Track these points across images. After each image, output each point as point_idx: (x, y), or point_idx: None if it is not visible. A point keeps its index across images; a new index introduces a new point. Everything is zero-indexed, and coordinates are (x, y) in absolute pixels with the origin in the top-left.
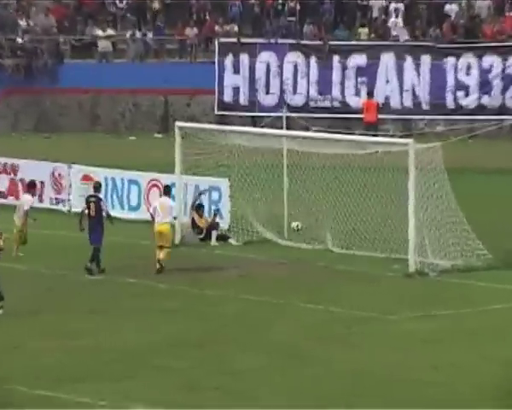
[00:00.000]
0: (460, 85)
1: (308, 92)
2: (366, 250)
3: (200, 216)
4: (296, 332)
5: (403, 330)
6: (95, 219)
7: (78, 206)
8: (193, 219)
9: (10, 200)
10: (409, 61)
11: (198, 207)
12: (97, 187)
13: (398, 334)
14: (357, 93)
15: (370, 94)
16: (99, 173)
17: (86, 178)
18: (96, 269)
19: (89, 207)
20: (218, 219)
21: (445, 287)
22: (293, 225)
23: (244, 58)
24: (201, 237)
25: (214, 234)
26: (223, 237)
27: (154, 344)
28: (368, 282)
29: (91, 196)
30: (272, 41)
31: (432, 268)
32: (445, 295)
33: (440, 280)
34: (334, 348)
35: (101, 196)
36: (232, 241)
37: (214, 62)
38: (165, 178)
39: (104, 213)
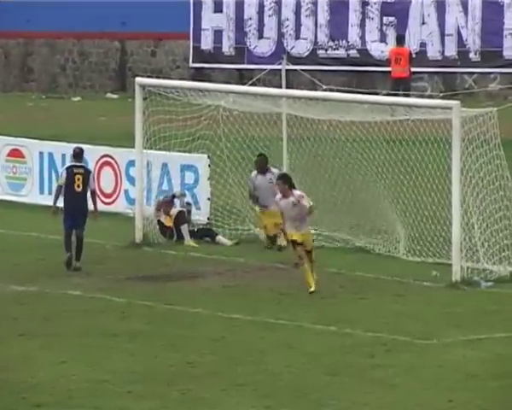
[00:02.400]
0: None
1: (315, 37)
2: (394, 251)
3: (167, 213)
4: (299, 364)
5: (445, 361)
6: (80, 196)
7: (1, 191)
8: (159, 221)
9: None
10: None
11: (167, 203)
12: (80, 154)
13: (440, 366)
14: (383, 38)
15: (401, 40)
16: (32, 147)
17: (15, 153)
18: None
19: (73, 181)
20: (185, 207)
21: (501, 301)
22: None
23: None
24: (174, 239)
25: (185, 229)
26: (206, 234)
27: (106, 381)
28: (396, 294)
29: (76, 165)
30: None
31: (484, 276)
32: (503, 312)
33: (495, 292)
34: (352, 387)
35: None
36: (222, 239)
37: None
38: (122, 154)
39: (89, 191)
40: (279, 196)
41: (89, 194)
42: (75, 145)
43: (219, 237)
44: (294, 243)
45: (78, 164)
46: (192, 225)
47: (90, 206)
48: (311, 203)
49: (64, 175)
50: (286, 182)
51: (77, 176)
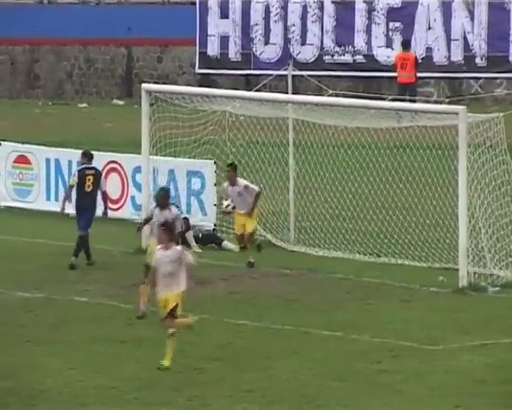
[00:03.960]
0: None
1: (322, 43)
2: (401, 257)
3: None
4: (306, 370)
5: (452, 367)
6: (90, 197)
7: (8, 198)
8: None
9: None
10: (460, 2)
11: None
12: (90, 155)
13: (446, 372)
14: (389, 44)
15: (406, 45)
16: (38, 153)
17: (21, 159)
18: (75, 260)
19: (84, 182)
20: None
21: (508, 306)
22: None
23: None
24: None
25: (190, 236)
26: (211, 240)
27: (113, 387)
28: (403, 300)
29: (88, 167)
30: None
31: (491, 281)
32: (510, 318)
33: (502, 297)
34: (359, 393)
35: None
36: (229, 244)
37: (194, 3)
38: (128, 160)
39: (100, 192)
40: (227, 183)
41: (99, 196)
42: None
43: (225, 243)
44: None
45: (89, 166)
46: (195, 232)
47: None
48: (259, 189)
49: (76, 176)
50: (235, 170)
51: (88, 177)
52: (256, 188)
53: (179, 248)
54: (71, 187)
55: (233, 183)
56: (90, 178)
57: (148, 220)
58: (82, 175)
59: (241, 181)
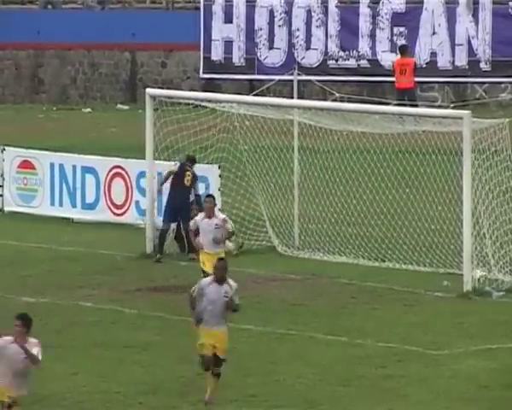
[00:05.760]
0: None
1: (326, 47)
2: (405, 262)
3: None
4: (310, 375)
5: (457, 371)
6: (186, 191)
7: (12, 203)
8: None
9: None
10: (463, 5)
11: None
12: (193, 160)
13: (451, 376)
14: (393, 49)
15: (404, 50)
16: (43, 158)
17: (26, 165)
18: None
19: (184, 175)
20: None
21: None
22: None
23: (239, 1)
24: (186, 251)
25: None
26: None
27: (117, 392)
28: (407, 304)
29: (189, 165)
30: None
31: (496, 286)
32: None
33: (507, 302)
34: (364, 398)
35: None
36: (229, 245)
37: (198, 8)
38: (132, 165)
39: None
40: (201, 215)
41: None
42: (87, 156)
43: (226, 243)
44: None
45: (190, 166)
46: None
47: None
48: (233, 229)
49: (177, 166)
50: (214, 202)
51: (187, 172)
52: (232, 226)
53: (221, 215)
54: (169, 173)
55: (210, 215)
56: (190, 174)
57: (195, 231)
58: (182, 168)
59: (220, 213)
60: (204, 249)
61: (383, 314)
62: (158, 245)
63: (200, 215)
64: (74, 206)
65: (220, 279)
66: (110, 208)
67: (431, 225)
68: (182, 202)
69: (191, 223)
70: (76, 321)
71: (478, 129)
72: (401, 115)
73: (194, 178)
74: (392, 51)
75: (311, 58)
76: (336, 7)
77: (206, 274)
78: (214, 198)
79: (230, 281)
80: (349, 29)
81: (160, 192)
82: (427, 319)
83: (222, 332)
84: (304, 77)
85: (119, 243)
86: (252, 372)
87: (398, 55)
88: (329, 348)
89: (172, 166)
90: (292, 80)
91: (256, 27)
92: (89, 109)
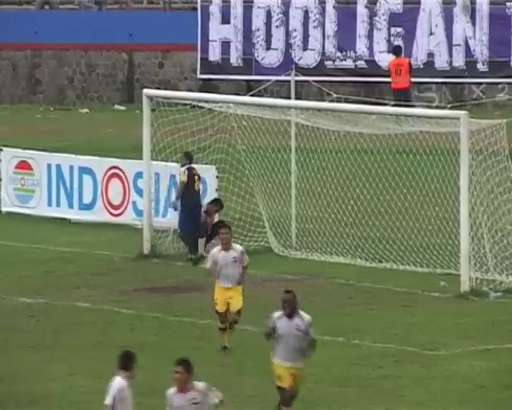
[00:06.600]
0: None
1: (323, 48)
2: (402, 263)
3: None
4: (308, 375)
5: (454, 372)
6: (196, 196)
7: (9, 203)
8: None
9: None
10: (460, 6)
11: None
12: (191, 156)
13: (448, 377)
14: (391, 49)
15: (397, 51)
16: (40, 159)
17: (23, 165)
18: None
19: (193, 181)
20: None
21: (510, 311)
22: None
23: (236, 1)
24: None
25: (202, 242)
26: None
27: None
28: (405, 305)
29: (193, 167)
30: None
31: (493, 287)
32: None
33: (504, 302)
34: (361, 398)
35: None
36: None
37: (196, 8)
38: (130, 166)
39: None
40: (218, 248)
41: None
42: (84, 157)
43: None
44: (219, 313)
45: (192, 166)
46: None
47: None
48: (248, 262)
49: (186, 175)
50: (231, 232)
51: (195, 176)
52: (247, 258)
53: (239, 248)
54: (182, 183)
55: (227, 247)
56: (197, 178)
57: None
58: (190, 174)
59: (238, 246)
60: (221, 284)
61: (380, 315)
62: (187, 247)
63: (217, 248)
64: (71, 206)
65: (289, 314)
66: (107, 209)
67: (428, 226)
68: (194, 206)
69: (208, 257)
70: (73, 322)
71: (475, 130)
72: (398, 116)
73: (200, 177)
74: (389, 52)
75: (309, 58)
76: (333, 7)
77: (218, 313)
78: (230, 228)
79: (302, 313)
80: (346, 29)
81: (176, 207)
82: (425, 320)
83: (297, 369)
84: (301, 77)
85: (116, 243)
86: (249, 373)
87: (393, 57)
88: (326, 349)
89: (181, 173)
90: (289, 81)
91: (253, 28)
92: (86, 110)
